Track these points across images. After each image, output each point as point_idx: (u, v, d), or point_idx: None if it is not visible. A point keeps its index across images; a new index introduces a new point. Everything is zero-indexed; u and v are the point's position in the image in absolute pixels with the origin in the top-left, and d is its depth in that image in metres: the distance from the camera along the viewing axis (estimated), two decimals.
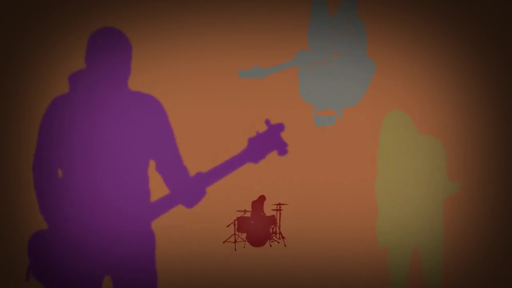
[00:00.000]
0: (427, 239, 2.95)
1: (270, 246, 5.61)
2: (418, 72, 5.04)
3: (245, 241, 5.62)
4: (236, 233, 5.63)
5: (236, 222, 5.65)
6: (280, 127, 1.81)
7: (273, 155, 1.81)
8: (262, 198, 5.76)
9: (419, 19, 4.94)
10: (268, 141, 1.78)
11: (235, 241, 5.55)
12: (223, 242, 5.55)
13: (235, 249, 5.46)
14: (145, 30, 4.91)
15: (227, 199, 5.29)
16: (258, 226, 5.58)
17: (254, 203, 5.76)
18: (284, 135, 1.82)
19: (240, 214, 5.72)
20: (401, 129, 2.98)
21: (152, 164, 1.85)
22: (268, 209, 5.80)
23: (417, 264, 3.05)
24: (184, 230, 5.02)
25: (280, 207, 5.80)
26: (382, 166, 3.08)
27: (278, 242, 5.74)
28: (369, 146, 5.21)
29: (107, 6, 4.73)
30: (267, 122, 1.82)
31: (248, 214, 5.74)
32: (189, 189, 1.80)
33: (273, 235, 5.75)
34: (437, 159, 2.97)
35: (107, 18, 4.65)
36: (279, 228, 5.78)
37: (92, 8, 4.65)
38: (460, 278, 3.91)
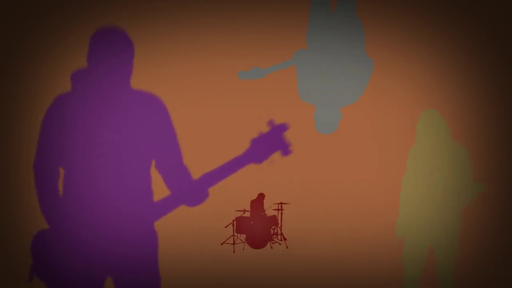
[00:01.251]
0: (442, 237, 3.00)
1: (271, 248, 5.41)
2: (418, 72, 5.04)
3: (244, 242, 5.41)
4: (235, 234, 5.40)
5: (234, 222, 5.41)
6: (283, 127, 1.81)
7: (276, 156, 1.81)
8: (261, 196, 5.53)
9: (419, 19, 4.95)
10: (271, 142, 1.78)
11: (234, 243, 5.34)
12: (221, 244, 5.38)
13: (234, 251, 5.28)
14: (145, 30, 4.91)
15: (228, 198, 5.26)
16: (258, 226, 5.32)
17: (253, 202, 5.52)
18: (286, 135, 1.82)
19: (239, 214, 5.48)
20: (435, 131, 3.03)
21: (154, 164, 1.85)
22: (269, 209, 5.61)
23: (431, 261, 3.09)
24: (184, 230, 5.01)
25: (281, 206, 5.56)
26: (411, 163, 3.12)
27: (280, 244, 5.53)
28: (369, 146, 5.22)
29: (107, 6, 4.73)
30: (271, 122, 1.82)
31: (247, 214, 5.49)
32: (191, 190, 1.80)
33: (274, 236, 5.53)
34: (463, 164, 3.03)
35: (107, 18, 4.65)
36: (281, 229, 5.56)
37: (92, 8, 4.65)
38: (460, 278, 3.90)
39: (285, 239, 5.54)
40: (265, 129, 1.82)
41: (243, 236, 5.50)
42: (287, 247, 5.46)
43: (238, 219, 5.45)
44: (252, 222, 5.35)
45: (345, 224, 5.29)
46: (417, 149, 3.09)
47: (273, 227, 5.53)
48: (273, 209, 5.63)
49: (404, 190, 3.13)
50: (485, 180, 4.53)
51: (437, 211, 2.98)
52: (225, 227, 5.42)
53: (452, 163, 3.00)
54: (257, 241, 5.36)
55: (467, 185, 3.04)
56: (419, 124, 3.11)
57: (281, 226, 5.59)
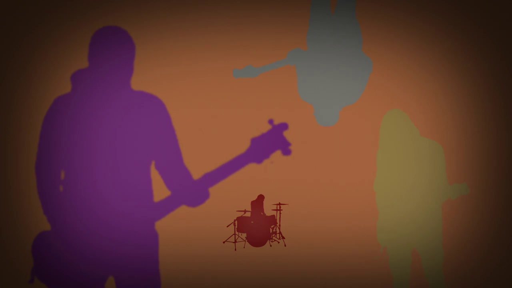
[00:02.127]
0: (425, 240, 2.94)
1: (270, 246, 5.60)
2: (417, 71, 5.04)
3: (245, 241, 5.62)
4: (236, 233, 5.63)
5: (236, 222, 5.66)
6: (283, 126, 1.80)
7: (276, 155, 1.81)
8: (261, 198, 5.76)
9: (419, 18, 4.95)
10: (271, 141, 1.78)
11: (235, 241, 5.56)
12: (223, 242, 5.55)
13: (235, 249, 5.46)
14: (145, 30, 4.91)
15: (228, 199, 5.30)
16: (258, 226, 5.57)
17: (253, 203, 5.76)
18: (286, 134, 1.82)
19: (240, 214, 5.72)
20: (401, 130, 2.95)
21: (154, 164, 1.85)
22: (268, 209, 5.79)
23: (417, 264, 3.05)
24: (184, 230, 5.03)
25: (280, 207, 5.79)
26: (381, 166, 3.07)
27: (278, 242, 5.73)
28: (370, 146, 5.22)
29: (105, 6, 4.73)
30: (271, 121, 1.82)
31: (248, 214, 5.74)
32: (192, 190, 1.80)
33: (273, 235, 5.74)
34: (436, 161, 2.95)
35: (106, 18, 4.66)
36: (279, 228, 5.78)
37: (92, 8, 4.65)
38: (459, 278, 3.92)
39: (283, 237, 5.74)
40: (265, 128, 1.82)
41: (244, 235, 5.70)
42: (285, 245, 5.66)
43: (239, 219, 5.68)
44: (252, 222, 5.57)
45: (345, 224, 5.30)
46: (386, 151, 3.01)
47: (272, 226, 5.73)
48: (272, 209, 5.83)
49: (379, 193, 3.06)
50: (485, 180, 4.54)
51: (416, 212, 2.92)
52: (227, 226, 5.62)
53: (426, 161, 2.92)
54: (257, 240, 5.58)
55: (444, 182, 2.95)
56: (382, 126, 3.02)
57: (279, 225, 5.77)
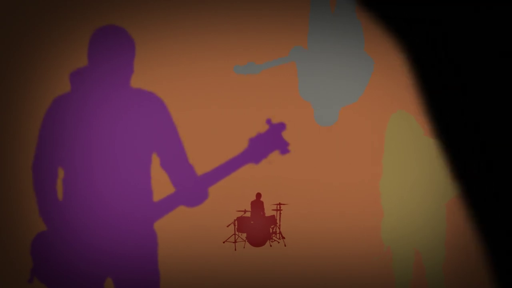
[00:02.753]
0: (427, 239, 2.96)
1: (270, 246, 5.63)
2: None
3: (245, 241, 5.64)
4: (236, 233, 5.66)
5: (236, 222, 5.68)
6: (281, 126, 1.81)
7: (275, 155, 1.81)
8: (259, 196, 5.79)
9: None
10: (269, 141, 1.78)
11: (235, 241, 5.58)
12: (223, 242, 5.57)
13: (235, 249, 5.49)
14: (145, 30, 4.91)
15: (227, 198, 5.29)
16: (258, 226, 5.61)
17: (253, 203, 5.77)
18: (284, 135, 1.82)
19: (240, 214, 5.74)
20: (407, 130, 2.99)
21: (154, 163, 1.85)
22: (268, 209, 5.81)
23: (420, 264, 3.06)
24: (183, 230, 5.02)
25: (280, 207, 5.81)
26: (387, 166, 3.09)
27: (278, 242, 5.75)
28: (370, 146, 5.22)
29: (105, 6, 4.73)
30: (268, 121, 1.82)
31: (248, 214, 5.76)
32: (191, 190, 1.80)
33: (273, 235, 5.77)
34: (439, 160, 2.96)
35: (107, 18, 4.65)
36: (279, 228, 5.81)
37: (92, 8, 4.65)
38: (460, 278, 3.91)
39: (283, 237, 5.75)
40: (263, 128, 1.82)
41: (244, 235, 5.72)
42: (285, 245, 5.67)
43: (239, 219, 5.70)
44: (252, 222, 5.61)
45: (345, 224, 5.30)
46: (392, 152, 3.04)
47: (272, 226, 5.76)
48: (272, 210, 5.84)
49: (384, 194, 3.08)
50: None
51: (420, 212, 2.93)
52: (227, 226, 5.64)
53: (428, 160, 2.94)
54: (257, 240, 5.62)
55: (448, 181, 2.97)
56: (389, 128, 3.05)
57: (279, 225, 5.80)
